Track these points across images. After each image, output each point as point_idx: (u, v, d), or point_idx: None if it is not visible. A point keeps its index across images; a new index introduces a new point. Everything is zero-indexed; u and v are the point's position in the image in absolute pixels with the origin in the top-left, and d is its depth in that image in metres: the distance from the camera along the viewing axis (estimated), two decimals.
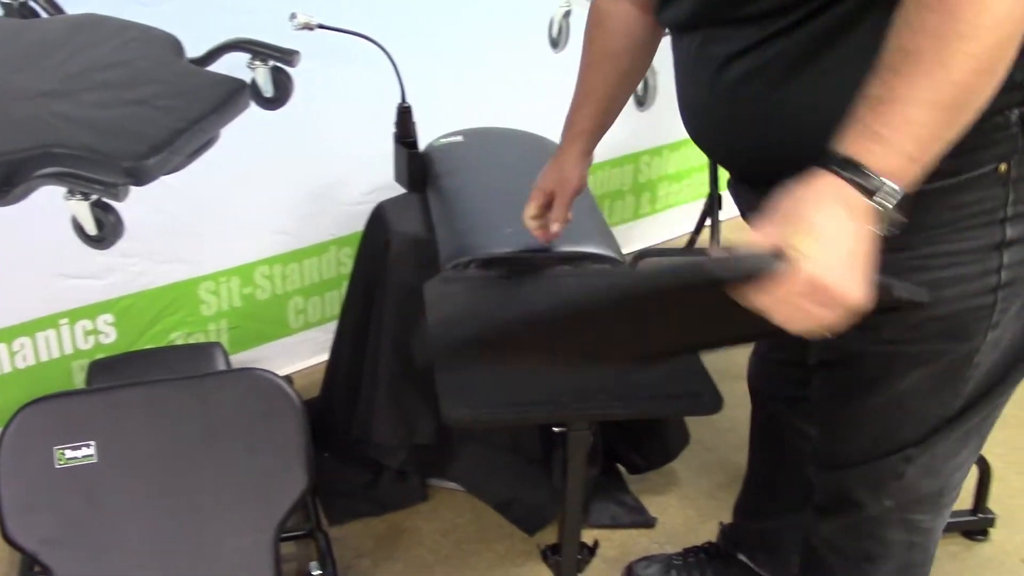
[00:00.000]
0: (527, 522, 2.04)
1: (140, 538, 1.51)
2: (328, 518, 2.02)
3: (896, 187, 0.83)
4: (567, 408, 1.30)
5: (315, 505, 1.89)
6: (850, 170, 0.83)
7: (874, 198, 0.83)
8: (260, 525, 1.55)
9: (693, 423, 2.20)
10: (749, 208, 1.33)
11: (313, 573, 1.77)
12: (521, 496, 2.05)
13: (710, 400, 1.31)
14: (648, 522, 2.08)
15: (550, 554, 1.55)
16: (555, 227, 1.51)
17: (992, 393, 1.19)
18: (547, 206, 1.50)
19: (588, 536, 1.56)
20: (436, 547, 2.01)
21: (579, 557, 1.54)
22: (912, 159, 0.84)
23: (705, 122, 1.20)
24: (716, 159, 1.32)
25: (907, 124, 0.83)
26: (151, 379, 1.63)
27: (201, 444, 1.58)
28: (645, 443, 2.15)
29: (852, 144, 0.84)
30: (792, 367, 1.50)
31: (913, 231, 0.93)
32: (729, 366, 2.67)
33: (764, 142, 1.11)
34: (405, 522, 2.07)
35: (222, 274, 2.28)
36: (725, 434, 2.37)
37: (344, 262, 2.46)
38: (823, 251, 0.80)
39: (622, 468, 2.19)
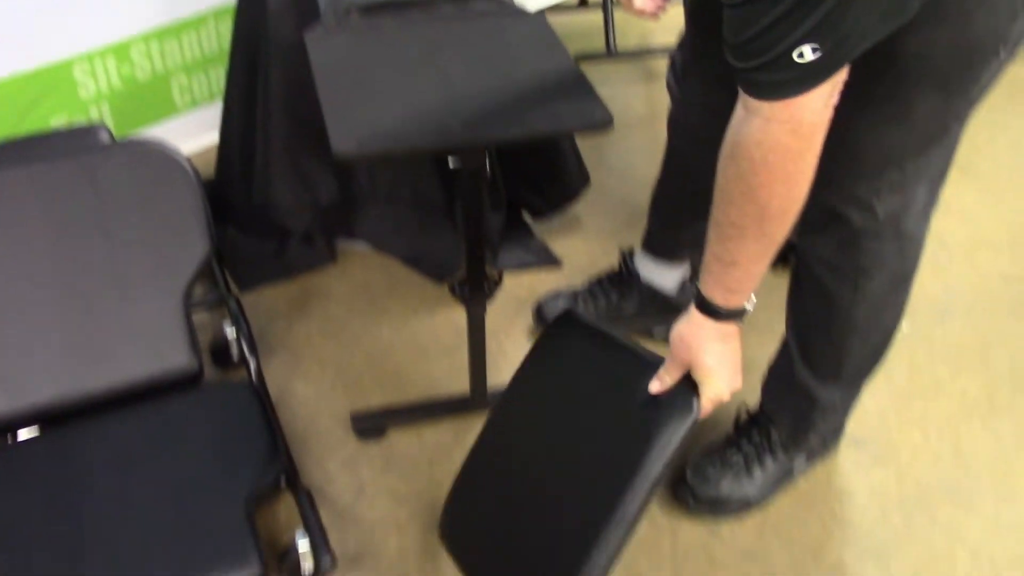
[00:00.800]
0: (436, 272, 2.08)
1: (45, 320, 1.49)
2: (239, 286, 2.04)
3: (749, 305, 1.22)
4: (457, 136, 1.30)
5: (223, 273, 1.89)
6: (721, 314, 1.21)
7: (740, 320, 1.23)
8: (166, 292, 1.55)
9: (593, 170, 2.23)
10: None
11: (228, 335, 1.79)
12: (428, 248, 2.08)
13: (601, 116, 1.32)
14: (554, 262, 2.14)
15: (458, 289, 1.59)
16: None
17: (982, 98, 1.22)
18: None
19: None
20: (349, 304, 2.04)
21: (486, 289, 1.59)
22: (754, 288, 1.20)
23: None
24: None
25: (749, 276, 1.18)
26: (33, 159, 1.57)
27: (95, 220, 1.55)
28: (547, 185, 2.18)
29: (717, 295, 1.20)
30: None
31: None
32: (629, 116, 2.70)
33: None
34: (316, 283, 2.09)
35: (96, 54, 2.16)
36: (625, 179, 2.42)
37: (225, 35, 2.36)
38: (718, 382, 1.23)
39: (527, 216, 2.23)
